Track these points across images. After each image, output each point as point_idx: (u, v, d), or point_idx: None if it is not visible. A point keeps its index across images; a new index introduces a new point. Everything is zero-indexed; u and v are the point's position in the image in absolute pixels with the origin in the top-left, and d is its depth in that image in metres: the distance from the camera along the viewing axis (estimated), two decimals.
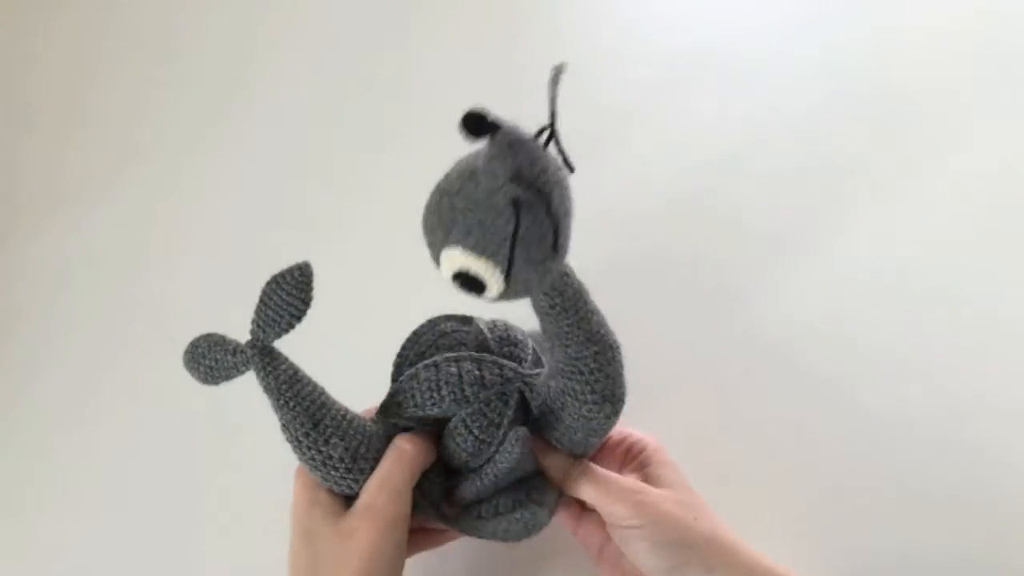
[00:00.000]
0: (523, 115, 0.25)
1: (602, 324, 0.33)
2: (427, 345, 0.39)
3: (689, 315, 0.49)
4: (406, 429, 0.37)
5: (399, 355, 0.40)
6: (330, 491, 0.35)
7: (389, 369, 0.40)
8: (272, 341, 0.33)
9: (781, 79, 0.59)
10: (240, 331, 0.49)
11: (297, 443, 0.34)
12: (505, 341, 0.39)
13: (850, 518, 0.42)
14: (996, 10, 0.60)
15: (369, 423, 0.36)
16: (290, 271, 0.32)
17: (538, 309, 0.32)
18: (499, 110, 0.23)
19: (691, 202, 0.54)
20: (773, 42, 0.61)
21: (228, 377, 0.34)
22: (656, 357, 0.46)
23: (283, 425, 0.35)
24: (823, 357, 0.47)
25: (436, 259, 0.27)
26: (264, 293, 0.32)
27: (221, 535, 0.45)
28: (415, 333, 0.40)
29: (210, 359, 0.34)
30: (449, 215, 0.25)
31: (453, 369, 0.36)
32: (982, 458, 0.43)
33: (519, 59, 0.63)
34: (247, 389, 0.46)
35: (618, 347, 0.34)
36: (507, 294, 0.26)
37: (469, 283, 0.26)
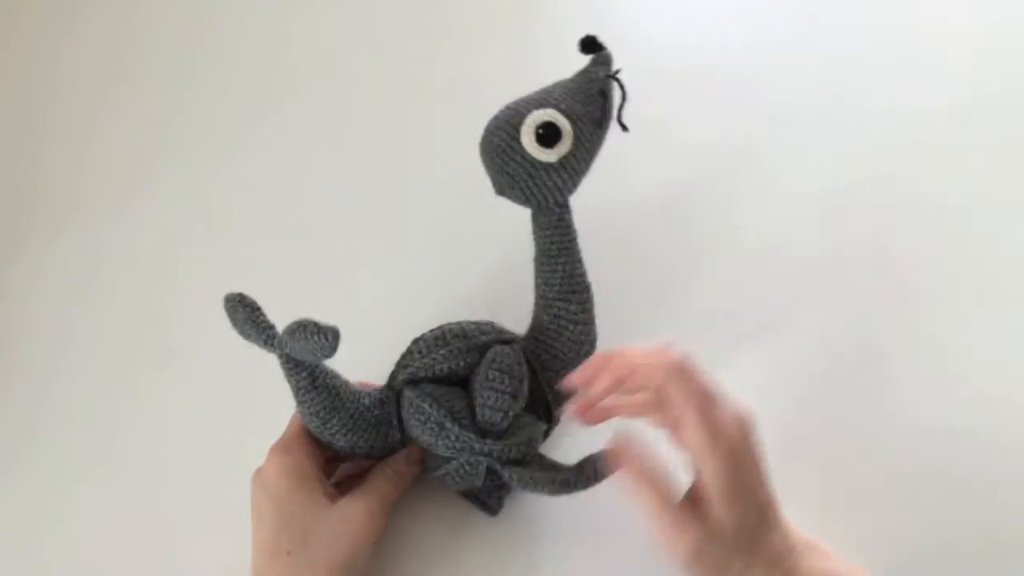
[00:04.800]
0: None
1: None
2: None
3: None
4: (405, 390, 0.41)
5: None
6: (317, 477, 0.41)
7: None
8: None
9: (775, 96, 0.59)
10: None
11: (307, 422, 0.40)
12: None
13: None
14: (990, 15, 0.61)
15: (374, 410, 0.41)
16: (323, 332, 0.33)
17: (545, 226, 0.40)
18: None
19: (683, 214, 0.55)
20: (769, 57, 0.62)
21: (255, 345, 0.37)
22: None
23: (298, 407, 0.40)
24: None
25: (519, 124, 0.36)
26: (294, 328, 0.34)
27: (237, 544, 0.44)
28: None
29: (243, 327, 0.37)
30: (548, 92, 0.37)
31: (454, 326, 0.43)
32: None
33: (526, 65, 0.62)
34: (266, 400, 0.47)
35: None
36: (573, 149, 0.37)
37: (548, 135, 0.36)
